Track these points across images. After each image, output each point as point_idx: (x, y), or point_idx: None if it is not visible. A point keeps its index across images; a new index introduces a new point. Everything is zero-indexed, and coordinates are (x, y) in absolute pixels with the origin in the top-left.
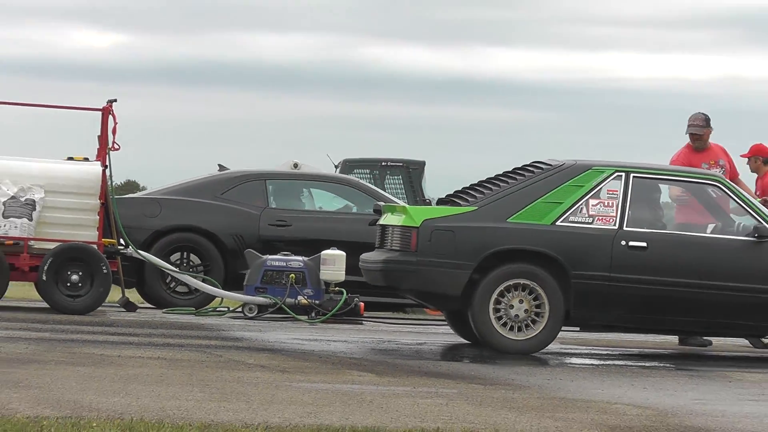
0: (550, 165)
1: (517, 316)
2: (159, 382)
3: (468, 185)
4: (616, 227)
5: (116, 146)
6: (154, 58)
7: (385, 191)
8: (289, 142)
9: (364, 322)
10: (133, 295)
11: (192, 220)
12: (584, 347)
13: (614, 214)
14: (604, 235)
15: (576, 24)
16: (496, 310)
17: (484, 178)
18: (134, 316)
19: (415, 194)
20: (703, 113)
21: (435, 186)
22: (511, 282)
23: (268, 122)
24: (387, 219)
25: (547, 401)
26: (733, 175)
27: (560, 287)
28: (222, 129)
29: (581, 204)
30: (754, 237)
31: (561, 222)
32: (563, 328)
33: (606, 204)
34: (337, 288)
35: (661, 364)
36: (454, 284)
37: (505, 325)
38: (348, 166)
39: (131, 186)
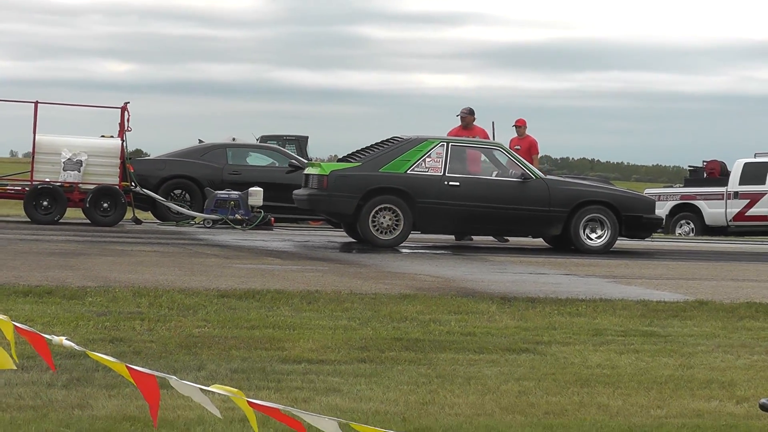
0: (403, 138)
1: (383, 224)
2: (155, 265)
3: (355, 150)
4: (441, 174)
5: (129, 129)
6: (152, 78)
7: None
8: (231, 126)
9: (274, 229)
10: (144, 215)
11: (184, 171)
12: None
13: (440, 166)
14: (434, 178)
15: (395, 57)
16: (373, 222)
17: (365, 146)
18: (140, 227)
19: (303, 156)
20: (468, 107)
21: (315, 151)
22: (381, 206)
23: (217, 115)
24: (309, 170)
25: (380, 274)
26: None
27: (410, 209)
28: (191, 119)
29: (421, 160)
30: (520, 179)
31: (410, 171)
32: (412, 232)
33: (435, 160)
34: (258, 209)
35: (446, 252)
36: (348, 207)
37: (378, 230)
38: (264, 139)
39: (138, 152)
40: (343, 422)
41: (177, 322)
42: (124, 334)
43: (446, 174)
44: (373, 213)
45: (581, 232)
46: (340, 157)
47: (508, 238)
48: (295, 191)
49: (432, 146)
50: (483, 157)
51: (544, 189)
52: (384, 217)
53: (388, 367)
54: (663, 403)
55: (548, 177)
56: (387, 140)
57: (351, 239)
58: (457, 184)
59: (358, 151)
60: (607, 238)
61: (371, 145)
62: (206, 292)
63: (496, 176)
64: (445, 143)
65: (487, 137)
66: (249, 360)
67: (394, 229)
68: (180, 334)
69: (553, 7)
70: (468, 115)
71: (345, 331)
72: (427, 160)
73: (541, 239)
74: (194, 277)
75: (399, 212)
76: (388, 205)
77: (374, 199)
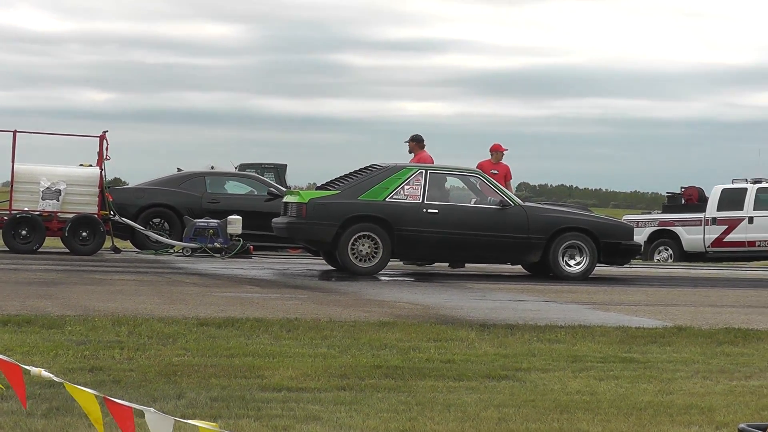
0: (381, 166)
1: (362, 252)
2: (134, 294)
3: (334, 178)
4: (420, 201)
5: (108, 157)
6: (131, 106)
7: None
8: (209, 154)
9: (253, 257)
10: (123, 243)
11: (163, 200)
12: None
13: (419, 194)
14: (413, 206)
15: (375, 84)
16: (352, 250)
17: (343, 174)
18: (119, 256)
19: (281, 184)
20: (414, 134)
21: (294, 179)
22: (360, 233)
23: (196, 143)
24: (288, 198)
25: (360, 301)
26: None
27: (389, 236)
28: (170, 148)
29: (400, 188)
30: (499, 206)
31: (389, 199)
32: (391, 260)
33: (414, 188)
34: (237, 237)
35: (424, 281)
36: (327, 235)
37: (357, 258)
38: (243, 167)
39: (117, 181)
40: None
41: (156, 351)
42: (104, 363)
43: (425, 201)
44: (352, 241)
45: (560, 258)
46: (319, 185)
47: (484, 264)
48: (274, 219)
49: (410, 174)
50: (462, 185)
51: (523, 216)
52: (363, 245)
53: (368, 394)
54: (642, 429)
55: (527, 204)
56: (365, 168)
57: (330, 267)
58: (436, 211)
59: (336, 179)
60: (585, 265)
61: (350, 173)
62: (185, 321)
63: (474, 203)
64: (424, 171)
65: (431, 162)
66: (229, 388)
67: (373, 256)
68: (159, 363)
69: (532, 35)
70: (410, 142)
71: (324, 359)
72: (406, 187)
73: (519, 266)
74: (173, 306)
75: (378, 240)
76: (367, 233)
77: (353, 227)
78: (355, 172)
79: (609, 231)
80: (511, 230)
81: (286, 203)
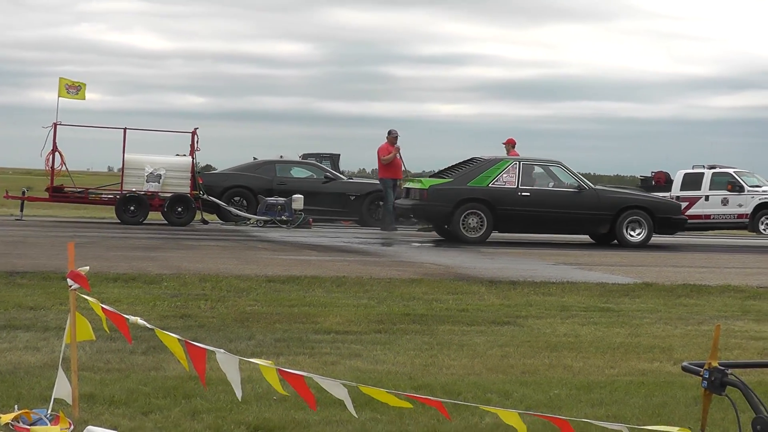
0: (483, 159)
1: (471, 225)
2: (217, 257)
3: (446, 167)
4: (515, 186)
5: (198, 149)
6: (220, 108)
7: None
8: (279, 146)
9: (312, 228)
10: (210, 217)
11: (242, 182)
12: (413, 239)
13: (514, 181)
14: (510, 190)
15: (413, 90)
16: (463, 224)
17: (449, 165)
18: (207, 227)
19: (336, 170)
20: (393, 129)
21: (345, 165)
22: (469, 211)
23: (269, 137)
24: (409, 184)
25: (395, 262)
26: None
27: (492, 214)
28: (248, 141)
29: (500, 176)
30: (576, 190)
31: (491, 185)
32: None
33: (510, 176)
34: (299, 212)
35: (445, 247)
36: (443, 213)
37: (466, 230)
38: (305, 156)
39: (208, 167)
40: (353, 385)
41: (233, 302)
42: (192, 312)
43: (519, 186)
44: (462, 217)
45: (624, 230)
46: (431, 174)
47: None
48: (398, 200)
49: (508, 164)
50: (546, 173)
51: (595, 197)
52: (471, 220)
53: (399, 336)
54: (615, 364)
55: (597, 187)
56: (469, 160)
57: (440, 237)
58: (528, 194)
59: (446, 169)
60: (644, 235)
61: (456, 165)
62: (257, 278)
63: (551, 187)
64: (518, 162)
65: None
66: (289, 331)
67: (479, 229)
68: (235, 311)
69: (536, 52)
70: (389, 136)
71: (365, 308)
72: (504, 176)
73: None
74: (247, 266)
75: (483, 216)
76: (475, 211)
77: (463, 206)
78: (461, 163)
79: (663, 208)
80: (586, 208)
81: (408, 188)
